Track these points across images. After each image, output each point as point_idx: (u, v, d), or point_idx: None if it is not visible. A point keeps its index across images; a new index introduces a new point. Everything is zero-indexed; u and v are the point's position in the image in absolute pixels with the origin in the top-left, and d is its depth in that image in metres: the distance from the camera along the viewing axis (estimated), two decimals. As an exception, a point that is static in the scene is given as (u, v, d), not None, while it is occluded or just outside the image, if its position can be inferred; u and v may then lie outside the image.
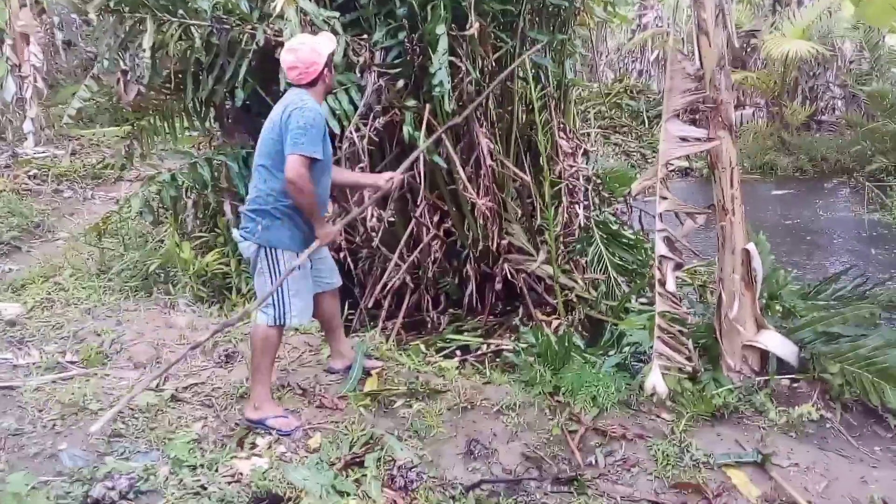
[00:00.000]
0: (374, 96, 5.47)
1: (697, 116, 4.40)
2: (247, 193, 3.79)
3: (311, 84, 3.63)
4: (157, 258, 5.79)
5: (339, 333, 4.21)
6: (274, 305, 3.56)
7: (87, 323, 4.76)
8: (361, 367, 4.13)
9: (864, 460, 3.50)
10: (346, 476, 3.16)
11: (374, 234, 5.64)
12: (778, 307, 4.55)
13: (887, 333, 4.19)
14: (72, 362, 4.18)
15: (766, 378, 4.02)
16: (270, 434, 3.47)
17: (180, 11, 5.46)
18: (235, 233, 3.74)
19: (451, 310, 6.02)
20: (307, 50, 3.60)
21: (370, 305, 5.81)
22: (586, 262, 6.34)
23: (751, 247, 4.04)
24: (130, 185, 9.01)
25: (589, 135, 11.97)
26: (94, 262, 6.06)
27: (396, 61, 5.48)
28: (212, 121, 6.54)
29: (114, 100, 7.72)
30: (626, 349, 4.47)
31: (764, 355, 4.11)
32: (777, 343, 4.04)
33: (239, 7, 5.42)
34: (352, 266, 5.84)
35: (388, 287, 5.75)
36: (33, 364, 4.12)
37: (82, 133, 11.74)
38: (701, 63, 3.98)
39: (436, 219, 5.92)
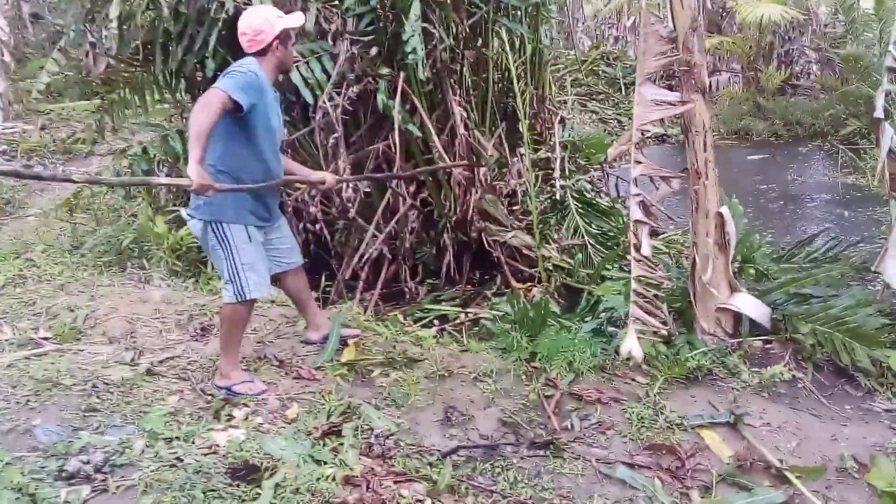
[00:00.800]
0: (347, 65, 5.41)
1: (673, 82, 4.40)
2: None
3: (260, 54, 3.55)
4: (131, 233, 5.75)
5: (311, 306, 4.19)
6: (232, 281, 3.52)
7: (59, 299, 4.70)
8: (338, 337, 4.13)
9: (834, 419, 3.57)
10: (324, 445, 3.17)
11: (350, 205, 5.60)
12: (751, 270, 4.60)
13: (857, 294, 4.26)
14: (45, 338, 4.14)
15: (739, 340, 4.07)
16: (247, 406, 3.46)
17: (147, -21, 5.35)
18: (183, 212, 3.69)
19: (428, 280, 6.02)
20: (259, 18, 3.55)
21: (348, 277, 5.80)
22: (563, 230, 6.35)
23: (724, 210, 4.06)
24: (102, 160, 8.88)
25: (565, 102, 11.95)
26: (67, 238, 6.00)
27: (369, 28, 5.42)
28: (182, 92, 6.43)
29: (83, 73, 7.58)
30: (602, 315, 4.50)
31: (737, 318, 4.15)
32: (750, 305, 4.08)
33: (207, -26, 5.31)
34: (328, 237, 5.81)
35: (365, 258, 5.74)
36: (6, 340, 4.08)
37: (51, 107, 11.53)
38: (674, 25, 3.97)
39: (412, 189, 5.89)
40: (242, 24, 3.55)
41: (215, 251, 3.55)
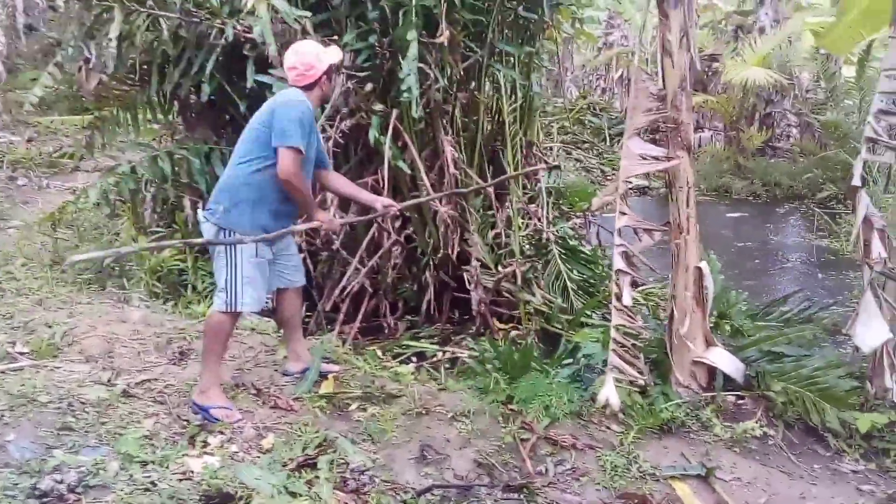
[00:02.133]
0: (342, 98, 5.50)
1: (657, 136, 4.54)
2: (207, 189, 3.80)
3: (308, 88, 3.70)
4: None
5: (297, 334, 4.21)
6: (227, 291, 3.56)
7: (38, 314, 4.67)
8: (318, 370, 4.13)
9: (803, 477, 3.62)
10: (299, 477, 3.16)
11: (334, 236, 5.65)
12: (727, 326, 4.68)
13: (828, 355, 4.35)
14: (21, 353, 4.10)
15: (713, 394, 4.13)
16: (222, 433, 3.44)
17: (149, 2, 5.43)
18: (200, 213, 3.75)
19: (408, 316, 6.05)
20: (309, 54, 3.72)
21: (328, 308, 5.81)
22: (545, 275, 6.42)
23: (703, 265, 4.15)
24: (88, 176, 8.85)
25: (551, 149, 12.13)
26: (48, 253, 5.95)
27: (366, 64, 5.52)
28: (175, 114, 6.48)
29: (74, 88, 7.60)
30: (581, 361, 4.55)
31: (711, 372, 4.22)
32: (725, 360, 4.15)
33: (209, 1, 5.40)
34: (311, 268, 5.83)
35: (346, 291, 5.76)
36: (-19, 353, 4.03)
37: (39, 120, 11.50)
38: (664, 83, 4.09)
39: (397, 224, 5.95)
40: (293, 60, 3.70)
41: (219, 257, 3.59)
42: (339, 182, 4.16)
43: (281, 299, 4.04)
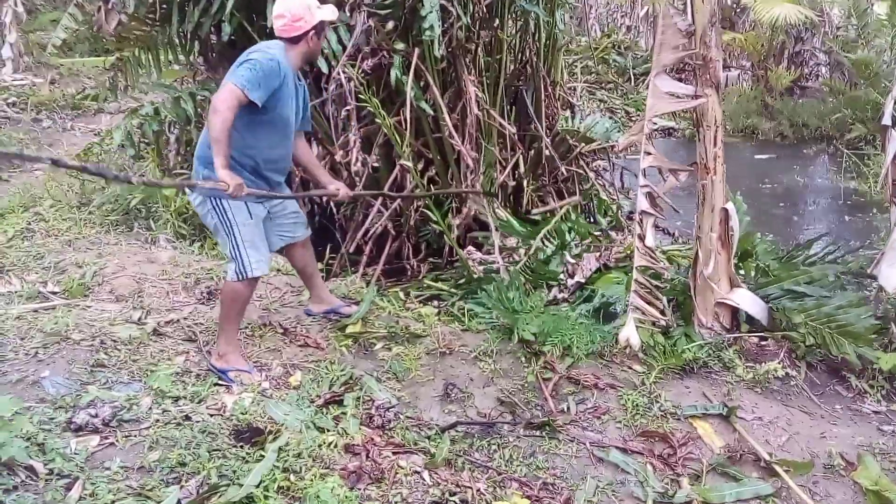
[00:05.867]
0: (363, 37, 5.42)
1: (683, 75, 4.43)
2: None
3: (293, 41, 3.51)
4: (139, 193, 5.77)
5: (316, 279, 4.22)
6: (235, 260, 3.49)
7: (67, 254, 4.75)
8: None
9: (824, 417, 3.64)
10: (326, 413, 3.24)
11: (357, 178, 5.64)
12: (752, 266, 4.65)
13: (849, 295, 4.33)
14: (53, 292, 4.20)
15: (736, 335, 4.14)
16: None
17: (168, -60, 5.34)
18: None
19: (431, 258, 6.07)
20: (300, 4, 3.49)
21: (351, 251, 5.85)
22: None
23: (729, 206, 4.11)
24: (112, 118, 8.88)
25: (575, 89, 11.93)
26: (75, 195, 6.02)
27: (386, 2, 5.41)
28: (196, 54, 6.43)
29: (95, 29, 7.56)
30: (600, 301, 4.56)
31: (735, 313, 4.22)
32: (749, 301, 4.15)
33: (229, -62, 5.30)
34: (334, 210, 5.85)
35: (369, 233, 5.79)
36: (14, 293, 4.13)
37: (61, 62, 11.48)
38: (693, 19, 3.99)
39: (420, 166, 5.93)
40: (281, 8, 3.48)
41: (217, 230, 3.53)
42: (304, 152, 3.98)
43: (289, 255, 4.00)
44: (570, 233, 5.81)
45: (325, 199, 5.66)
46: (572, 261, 5.20)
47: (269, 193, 3.59)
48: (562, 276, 5.11)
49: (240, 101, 3.22)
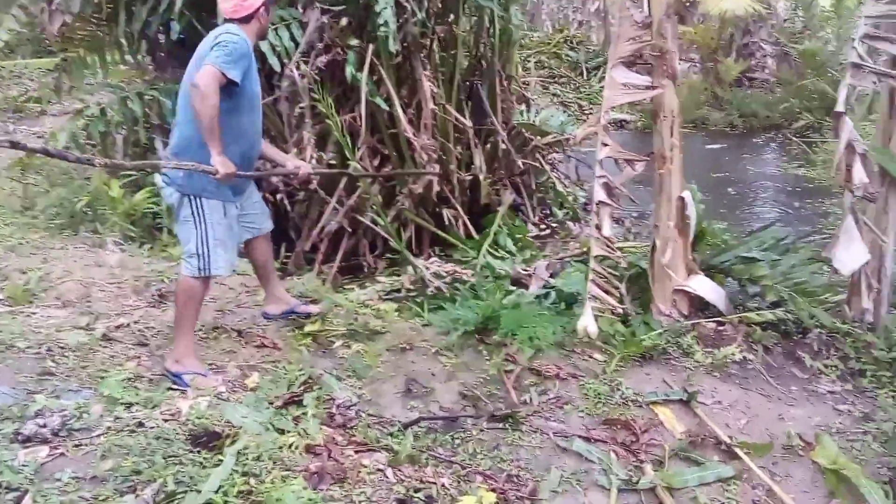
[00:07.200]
0: (317, 33, 5.35)
1: (636, 68, 4.43)
2: None
3: (245, 20, 3.50)
4: (85, 196, 5.62)
5: (273, 278, 4.14)
6: (199, 256, 3.43)
7: (10, 260, 4.59)
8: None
9: (781, 399, 3.69)
10: (285, 414, 3.17)
11: (312, 177, 5.55)
12: (706, 245, 4.70)
13: (802, 255, 4.42)
14: (-3, 299, 4.05)
15: (694, 321, 4.18)
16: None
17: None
18: (158, 178, 3.62)
19: (388, 255, 6.02)
20: None
21: (307, 248, 5.77)
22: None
23: (686, 195, 4.15)
24: (56, 120, 8.62)
25: (529, 83, 11.97)
26: (17, 199, 5.83)
27: (341, -2, 5.35)
28: (144, 54, 6.29)
29: (38, 30, 7.33)
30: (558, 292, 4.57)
31: (692, 300, 4.26)
32: (706, 288, 4.19)
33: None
34: (289, 208, 5.77)
35: (325, 230, 5.71)
36: (-44, 301, 3.97)
37: (3, 64, 11.13)
38: (649, 11, 4.01)
39: (376, 163, 5.88)
40: None
41: (186, 223, 3.46)
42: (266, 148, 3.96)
43: (251, 248, 3.94)
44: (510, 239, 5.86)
45: (279, 196, 5.57)
46: (523, 271, 5.22)
47: (257, 174, 3.68)
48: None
49: (220, 82, 3.24)
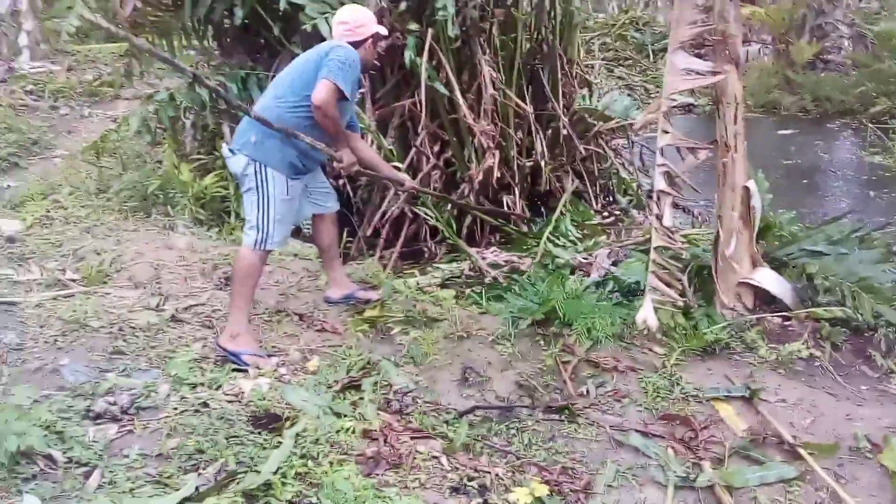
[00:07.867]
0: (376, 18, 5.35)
1: (702, 51, 4.33)
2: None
3: (353, 45, 3.68)
4: (156, 179, 5.77)
5: (336, 262, 4.25)
6: (258, 229, 3.56)
7: (86, 241, 4.77)
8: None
9: (850, 398, 3.57)
10: (344, 399, 3.23)
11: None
12: (772, 237, 4.56)
13: (871, 253, 4.24)
14: (72, 280, 4.22)
15: (759, 316, 4.07)
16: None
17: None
18: (225, 148, 3.74)
19: (448, 240, 6.03)
20: (363, 13, 3.80)
21: (368, 234, 5.83)
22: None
23: (751, 184, 4.03)
24: (128, 104, 8.90)
25: (593, 67, 11.79)
26: (93, 181, 6.04)
27: (400, -17, 5.36)
28: (210, 40, 6.41)
29: (110, 15, 7.54)
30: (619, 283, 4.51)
31: (758, 293, 4.15)
32: (772, 281, 4.07)
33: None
34: (351, 194, 5.83)
35: (386, 216, 5.76)
36: (34, 280, 4.15)
37: (78, 49, 11.51)
38: (710, -7, 3.90)
39: (436, 148, 5.89)
40: (346, 15, 3.76)
41: (249, 193, 3.59)
42: (364, 149, 4.17)
43: (317, 227, 4.08)
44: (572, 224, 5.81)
45: (342, 181, 5.64)
46: (584, 259, 5.18)
47: (371, 173, 4.23)
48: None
49: (336, 96, 3.50)
